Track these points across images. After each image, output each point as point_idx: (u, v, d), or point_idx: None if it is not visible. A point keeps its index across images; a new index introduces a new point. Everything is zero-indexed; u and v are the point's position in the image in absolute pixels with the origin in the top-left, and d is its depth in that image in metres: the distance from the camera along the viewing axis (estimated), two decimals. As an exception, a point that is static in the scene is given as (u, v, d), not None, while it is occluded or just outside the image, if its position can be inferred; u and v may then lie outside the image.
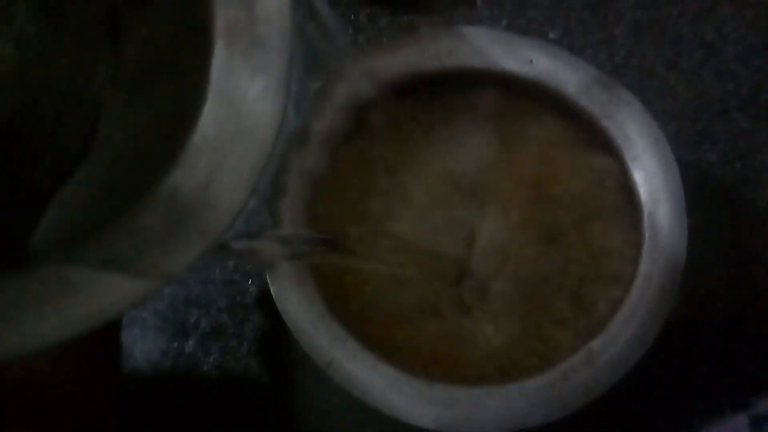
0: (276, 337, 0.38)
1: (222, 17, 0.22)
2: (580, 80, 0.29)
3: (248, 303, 0.39)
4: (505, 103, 0.32)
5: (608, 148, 0.30)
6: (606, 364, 0.27)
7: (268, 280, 0.29)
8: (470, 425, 0.27)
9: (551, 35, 0.41)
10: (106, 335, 0.27)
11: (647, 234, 0.29)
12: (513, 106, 0.31)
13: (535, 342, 0.30)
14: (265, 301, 0.38)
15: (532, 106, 0.31)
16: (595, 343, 0.28)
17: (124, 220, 0.21)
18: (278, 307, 0.29)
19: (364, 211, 0.31)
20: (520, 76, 0.29)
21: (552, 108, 0.31)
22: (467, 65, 0.30)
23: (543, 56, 0.29)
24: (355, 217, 0.31)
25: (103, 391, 0.28)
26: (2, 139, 0.23)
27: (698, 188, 0.39)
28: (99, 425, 0.27)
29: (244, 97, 0.22)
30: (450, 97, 0.32)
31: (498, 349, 0.30)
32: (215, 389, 0.38)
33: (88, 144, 0.24)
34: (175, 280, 0.36)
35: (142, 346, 0.38)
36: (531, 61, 0.29)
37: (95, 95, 0.24)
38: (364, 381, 0.27)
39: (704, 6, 0.40)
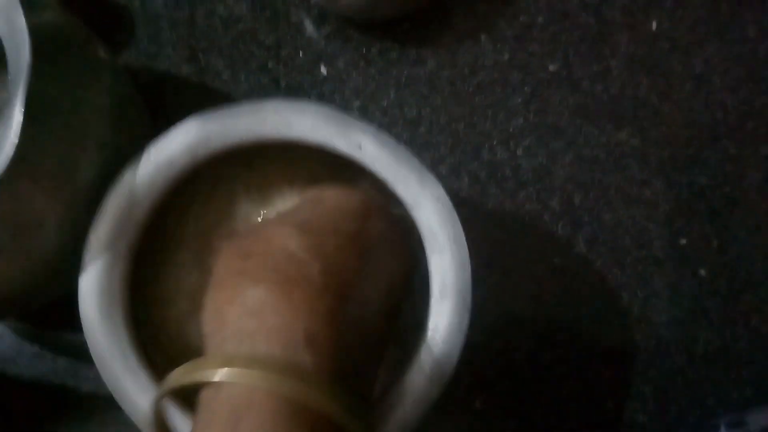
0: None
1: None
2: (398, 171, 0.31)
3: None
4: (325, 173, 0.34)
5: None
6: None
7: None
8: None
9: (551, 68, 0.43)
10: None
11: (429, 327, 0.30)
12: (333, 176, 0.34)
13: None
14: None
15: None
16: None
17: None
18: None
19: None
20: (347, 156, 0.31)
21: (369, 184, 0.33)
22: (303, 138, 0.31)
23: (371, 143, 0.30)
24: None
25: None
26: None
27: (688, 210, 0.42)
28: None
29: None
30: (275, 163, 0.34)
31: None
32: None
33: None
34: None
35: None
36: (360, 146, 0.31)
37: None
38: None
39: (694, 40, 0.43)
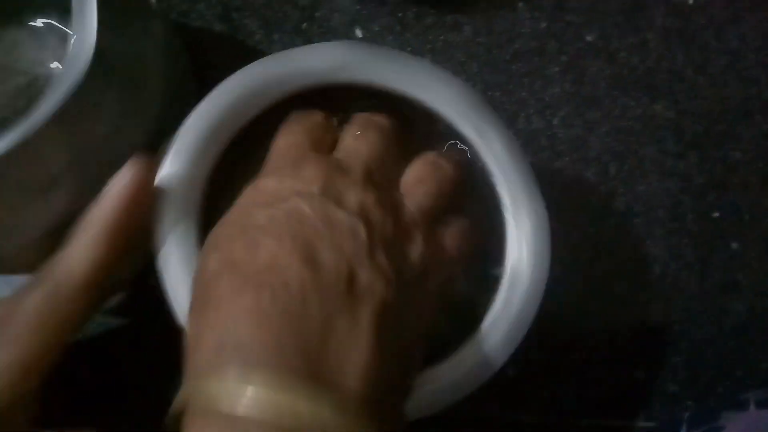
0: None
1: None
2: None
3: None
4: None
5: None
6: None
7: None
8: None
9: (588, 38, 0.43)
10: None
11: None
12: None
13: None
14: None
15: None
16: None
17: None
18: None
19: None
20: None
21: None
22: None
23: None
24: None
25: None
26: None
27: (721, 183, 0.42)
28: None
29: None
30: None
31: None
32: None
33: None
34: None
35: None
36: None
37: None
38: None
39: (729, 16, 0.43)
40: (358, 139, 0.28)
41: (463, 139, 0.30)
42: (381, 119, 0.29)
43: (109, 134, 0.30)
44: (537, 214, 0.29)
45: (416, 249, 0.25)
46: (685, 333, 0.40)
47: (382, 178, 0.27)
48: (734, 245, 0.41)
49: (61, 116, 0.27)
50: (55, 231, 0.30)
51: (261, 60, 0.30)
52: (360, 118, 0.29)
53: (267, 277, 0.22)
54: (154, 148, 0.30)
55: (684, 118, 0.42)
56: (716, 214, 0.41)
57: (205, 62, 0.43)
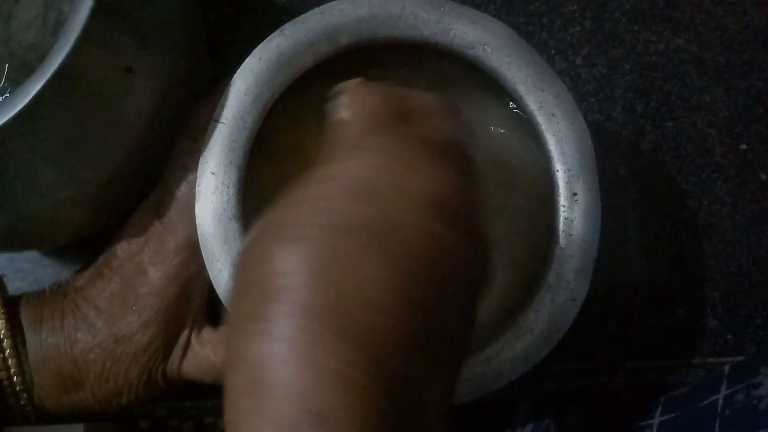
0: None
1: None
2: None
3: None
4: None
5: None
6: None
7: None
8: None
9: (605, -28, 0.42)
10: None
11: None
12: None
13: None
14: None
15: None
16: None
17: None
18: None
19: None
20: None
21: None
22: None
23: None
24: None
25: None
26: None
27: (747, 114, 0.41)
28: None
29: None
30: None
31: None
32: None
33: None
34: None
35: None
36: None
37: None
38: None
39: (743, -58, 0.42)
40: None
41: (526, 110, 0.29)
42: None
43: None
44: (590, 198, 0.28)
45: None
46: (720, 267, 0.40)
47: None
48: (763, 176, 0.41)
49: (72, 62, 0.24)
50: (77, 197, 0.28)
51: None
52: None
53: (360, 319, 0.19)
54: (169, 97, 0.29)
55: (706, 50, 0.42)
56: (743, 146, 0.41)
57: (207, 24, 0.40)
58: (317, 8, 0.29)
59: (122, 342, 0.30)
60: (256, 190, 0.30)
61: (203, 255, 0.28)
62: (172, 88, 0.29)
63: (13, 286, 0.38)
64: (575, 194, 0.28)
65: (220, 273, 0.27)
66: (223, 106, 0.28)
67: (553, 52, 0.41)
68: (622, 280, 0.40)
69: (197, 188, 0.28)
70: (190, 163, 0.30)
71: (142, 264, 0.30)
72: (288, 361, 0.18)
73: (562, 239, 0.28)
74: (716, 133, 0.41)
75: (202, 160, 0.28)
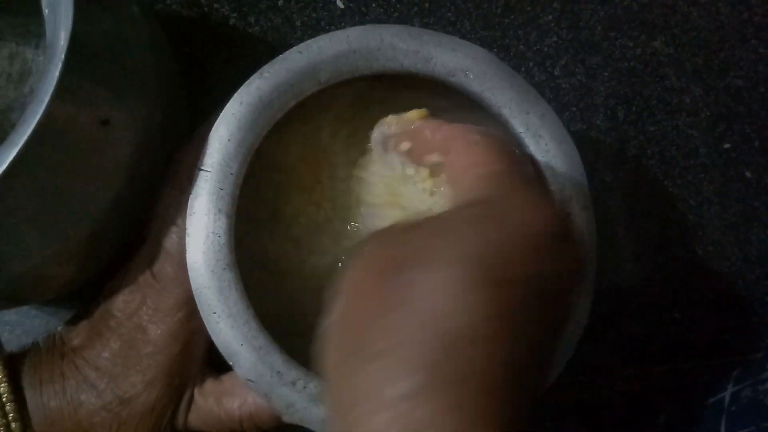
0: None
1: None
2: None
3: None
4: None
5: None
6: None
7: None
8: None
9: (578, -20, 0.42)
10: None
11: None
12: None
13: None
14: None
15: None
16: None
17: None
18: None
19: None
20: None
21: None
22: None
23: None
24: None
25: None
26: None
27: (728, 113, 0.41)
28: None
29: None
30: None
31: None
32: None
33: None
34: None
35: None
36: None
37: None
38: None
39: (712, -59, 0.42)
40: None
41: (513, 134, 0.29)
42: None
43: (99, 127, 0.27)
44: (585, 217, 0.28)
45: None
46: (713, 268, 0.40)
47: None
48: (748, 174, 0.41)
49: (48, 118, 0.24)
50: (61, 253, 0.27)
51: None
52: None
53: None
54: (148, 147, 0.28)
55: (683, 51, 0.42)
56: (727, 145, 0.41)
57: (181, 53, 0.39)
58: (295, 47, 0.28)
59: (128, 403, 0.30)
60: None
61: (199, 307, 0.27)
62: (151, 137, 0.29)
63: (1, 339, 0.37)
64: (570, 214, 0.28)
65: (218, 325, 0.27)
66: (207, 154, 0.28)
67: (531, 64, 0.41)
68: (616, 286, 0.40)
69: (187, 239, 0.27)
70: (177, 217, 0.30)
71: (141, 323, 0.30)
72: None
73: None
74: (699, 134, 0.41)
75: (189, 210, 0.27)
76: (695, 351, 0.40)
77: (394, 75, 0.29)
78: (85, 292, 0.33)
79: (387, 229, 0.22)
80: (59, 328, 0.33)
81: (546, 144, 0.29)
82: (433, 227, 0.21)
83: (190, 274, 0.27)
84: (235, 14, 0.40)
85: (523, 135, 0.29)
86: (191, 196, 0.28)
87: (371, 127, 0.29)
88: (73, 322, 0.33)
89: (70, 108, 0.26)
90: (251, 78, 0.28)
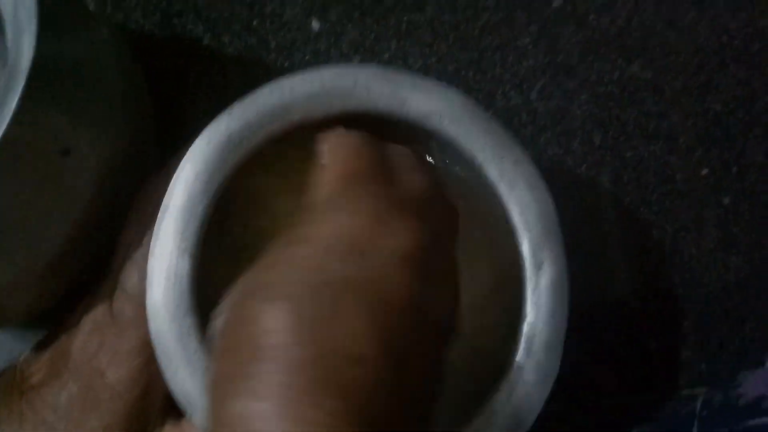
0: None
1: None
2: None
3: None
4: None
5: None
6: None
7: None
8: None
9: (555, 3, 0.41)
10: None
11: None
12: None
13: None
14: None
15: None
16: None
17: None
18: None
19: None
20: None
21: None
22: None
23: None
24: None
25: None
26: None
27: (706, 138, 0.41)
28: None
29: None
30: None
31: None
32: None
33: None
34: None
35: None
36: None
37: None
38: None
39: (691, -35, 0.42)
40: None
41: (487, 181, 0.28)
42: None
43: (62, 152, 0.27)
44: (557, 268, 0.28)
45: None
46: (690, 296, 0.40)
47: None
48: (726, 200, 0.41)
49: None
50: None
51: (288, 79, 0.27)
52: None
53: (349, 369, 0.20)
54: (111, 177, 0.28)
55: (660, 76, 0.41)
56: (705, 171, 0.41)
57: (155, 75, 0.39)
58: (267, 85, 0.28)
59: None
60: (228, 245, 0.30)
61: (156, 353, 0.26)
62: (114, 167, 0.28)
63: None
64: (542, 265, 0.28)
65: (176, 374, 0.26)
66: (172, 194, 0.27)
67: (508, 87, 0.40)
68: (591, 313, 0.39)
69: (147, 281, 0.27)
70: (139, 258, 0.29)
71: (100, 366, 0.29)
72: (275, 417, 0.19)
73: (530, 313, 0.27)
74: (676, 160, 0.41)
75: (151, 251, 0.27)
76: (672, 379, 0.39)
77: (370, 120, 0.28)
78: (50, 317, 0.32)
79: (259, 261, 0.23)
80: (21, 359, 0.32)
81: (520, 191, 0.28)
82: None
83: (149, 318, 0.26)
84: (208, 34, 0.40)
85: (497, 181, 0.28)
86: (153, 236, 0.27)
87: None
88: (34, 354, 0.32)
89: (29, 136, 0.26)
90: (220, 116, 0.27)
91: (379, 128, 0.28)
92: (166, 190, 0.27)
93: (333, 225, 0.23)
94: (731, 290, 0.40)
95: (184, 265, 0.26)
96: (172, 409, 0.31)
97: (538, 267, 0.27)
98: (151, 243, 0.27)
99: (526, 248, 0.28)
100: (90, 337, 0.29)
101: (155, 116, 0.35)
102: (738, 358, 0.39)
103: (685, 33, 0.42)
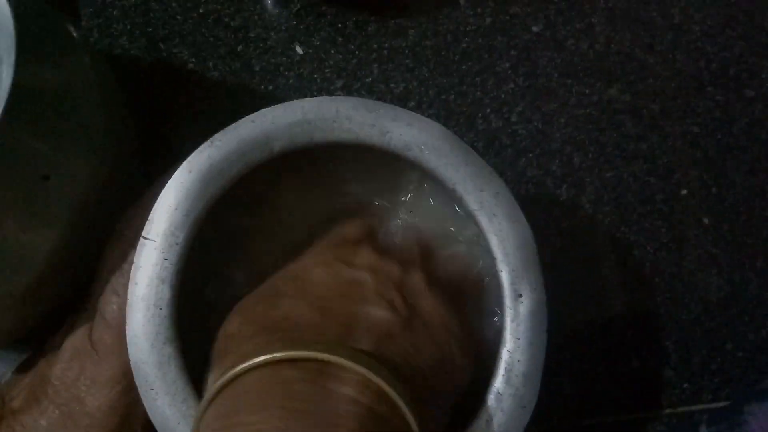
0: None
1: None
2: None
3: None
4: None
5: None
6: None
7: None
8: None
9: (534, 29, 0.42)
10: None
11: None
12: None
13: None
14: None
15: None
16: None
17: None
18: None
19: None
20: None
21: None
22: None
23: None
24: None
25: None
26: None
27: (685, 159, 0.42)
28: None
29: None
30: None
31: None
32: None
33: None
34: None
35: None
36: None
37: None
38: None
39: (668, -9, 0.43)
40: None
41: (467, 211, 0.29)
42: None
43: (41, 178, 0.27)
44: (535, 298, 0.28)
45: (428, 298, 0.26)
46: (671, 315, 0.40)
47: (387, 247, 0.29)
48: (706, 220, 0.41)
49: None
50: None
51: (269, 109, 0.28)
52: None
53: (280, 323, 0.24)
54: (92, 203, 0.28)
55: (639, 98, 0.42)
56: (684, 191, 0.41)
57: (140, 99, 0.39)
58: (248, 116, 0.28)
59: None
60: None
61: (136, 382, 0.26)
62: (95, 193, 0.28)
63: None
64: (520, 295, 0.28)
65: (155, 402, 0.26)
66: (152, 222, 0.27)
67: (488, 110, 0.41)
68: (574, 335, 0.39)
69: (127, 309, 0.27)
70: (119, 286, 0.29)
71: (79, 394, 0.29)
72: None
73: (509, 342, 0.28)
74: (656, 181, 0.41)
75: (131, 280, 0.27)
76: (655, 400, 0.39)
77: (353, 152, 0.29)
78: (32, 338, 0.32)
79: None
80: (2, 382, 0.32)
81: (500, 222, 0.28)
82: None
83: (128, 347, 0.26)
84: (194, 59, 0.40)
85: (477, 212, 0.28)
86: (134, 265, 0.27)
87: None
88: (15, 377, 0.32)
89: (9, 161, 0.26)
90: (202, 146, 0.28)
91: (362, 157, 0.29)
92: (146, 218, 0.27)
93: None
94: (712, 310, 0.40)
95: (164, 295, 0.26)
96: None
97: (516, 297, 0.28)
98: (132, 273, 0.27)
99: (505, 278, 0.28)
100: (70, 364, 0.29)
101: (139, 140, 0.35)
102: (719, 378, 0.39)
103: (663, 57, 0.42)
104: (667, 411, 0.39)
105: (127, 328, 0.27)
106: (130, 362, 0.27)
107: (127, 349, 0.26)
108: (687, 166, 0.41)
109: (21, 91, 0.25)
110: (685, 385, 0.39)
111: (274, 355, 0.22)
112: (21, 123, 0.25)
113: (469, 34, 0.42)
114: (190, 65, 0.40)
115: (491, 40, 0.42)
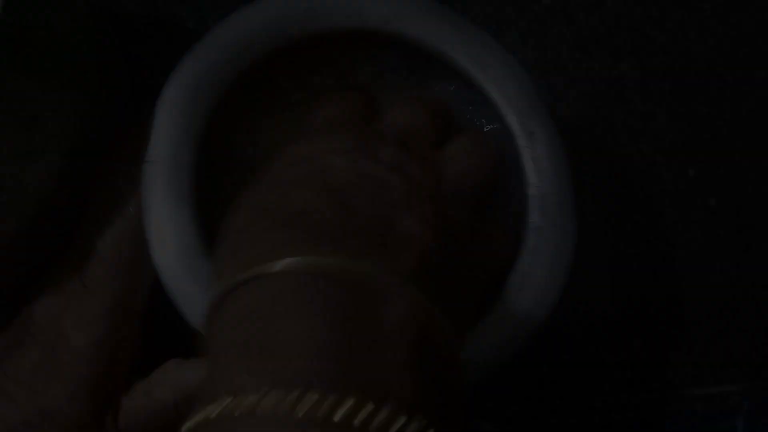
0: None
1: None
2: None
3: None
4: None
5: None
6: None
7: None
8: None
9: (544, 1, 0.41)
10: None
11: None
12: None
13: None
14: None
15: None
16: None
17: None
18: None
19: None
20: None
21: None
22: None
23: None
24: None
25: None
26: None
27: (693, 140, 0.41)
28: None
29: None
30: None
31: None
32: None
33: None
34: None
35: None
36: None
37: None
38: None
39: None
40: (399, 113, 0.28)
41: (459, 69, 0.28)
42: (427, 97, 0.29)
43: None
44: (550, 133, 0.27)
45: (461, 209, 0.25)
46: (675, 297, 0.39)
47: (419, 145, 0.26)
48: (712, 202, 0.40)
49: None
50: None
51: None
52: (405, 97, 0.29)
53: (299, 218, 0.22)
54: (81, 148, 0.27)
55: (648, 76, 0.41)
56: (692, 172, 0.40)
57: (136, 58, 0.38)
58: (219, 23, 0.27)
59: (49, 417, 0.28)
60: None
61: (171, 296, 0.25)
62: (84, 139, 0.27)
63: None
64: (533, 132, 0.27)
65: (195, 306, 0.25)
66: (153, 145, 0.26)
67: (495, 82, 0.40)
68: (575, 316, 0.38)
69: (149, 237, 0.26)
70: (113, 216, 0.28)
71: (64, 330, 0.28)
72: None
73: (533, 178, 0.27)
74: (663, 160, 0.40)
75: (145, 207, 0.26)
76: (656, 381, 0.38)
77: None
78: (10, 299, 0.31)
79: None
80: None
81: (494, 70, 0.28)
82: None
83: (159, 269, 0.25)
84: (193, 17, 0.39)
85: (469, 66, 0.28)
86: (144, 192, 0.26)
87: None
88: None
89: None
90: (182, 60, 0.27)
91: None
92: (138, 147, 0.26)
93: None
94: (716, 293, 0.39)
95: (185, 214, 0.25)
96: (140, 375, 0.30)
97: (529, 135, 0.27)
98: (144, 199, 0.26)
99: (513, 120, 0.27)
100: (53, 299, 0.28)
101: (134, 92, 0.34)
102: (723, 360, 0.38)
103: (674, 35, 0.42)
104: (670, 392, 0.38)
105: (153, 253, 0.26)
106: (163, 280, 0.26)
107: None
108: (695, 146, 0.41)
109: (7, 27, 0.24)
110: (688, 368, 0.39)
111: (309, 258, 0.19)
112: (8, 57, 0.24)
113: (478, 3, 0.41)
114: (190, 24, 0.39)
115: (500, 10, 0.41)
